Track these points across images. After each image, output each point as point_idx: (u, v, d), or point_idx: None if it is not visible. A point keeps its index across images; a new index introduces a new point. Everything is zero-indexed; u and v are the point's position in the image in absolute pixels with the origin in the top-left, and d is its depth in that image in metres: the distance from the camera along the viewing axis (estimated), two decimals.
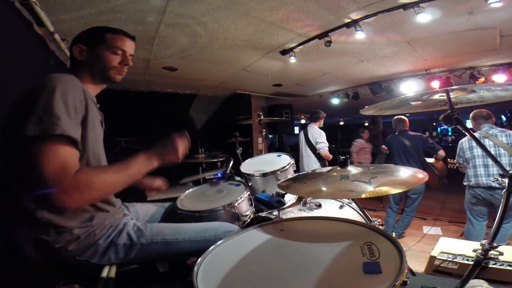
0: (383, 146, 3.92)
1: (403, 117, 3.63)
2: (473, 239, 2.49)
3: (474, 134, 2.63)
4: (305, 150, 3.99)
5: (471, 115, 2.75)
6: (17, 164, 0.80)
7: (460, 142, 2.83)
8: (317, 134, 3.90)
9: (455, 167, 3.17)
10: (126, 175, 0.85)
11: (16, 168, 0.81)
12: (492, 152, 2.45)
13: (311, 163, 3.91)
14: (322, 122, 4.09)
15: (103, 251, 0.94)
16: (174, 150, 0.97)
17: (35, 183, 0.72)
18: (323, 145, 3.82)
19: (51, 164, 0.73)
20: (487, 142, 2.47)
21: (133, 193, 1.29)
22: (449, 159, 3.27)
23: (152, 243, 1.00)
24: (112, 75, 1.04)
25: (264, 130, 3.42)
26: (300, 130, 4.46)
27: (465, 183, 2.72)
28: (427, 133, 12.44)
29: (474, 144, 2.62)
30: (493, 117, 2.66)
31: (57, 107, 0.76)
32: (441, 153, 3.35)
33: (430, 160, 3.44)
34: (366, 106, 1.22)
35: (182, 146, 0.99)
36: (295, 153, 4.04)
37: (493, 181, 2.53)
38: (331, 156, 3.88)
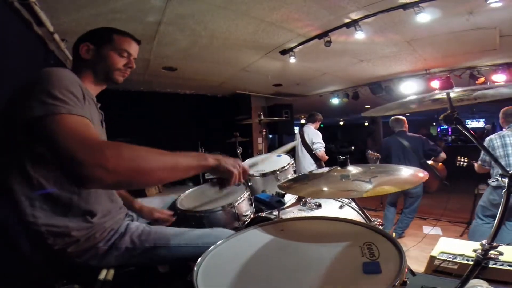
0: (370, 152, 3.67)
1: (400, 117, 3.50)
2: (477, 239, 2.48)
3: (502, 131, 2.62)
4: (301, 151, 3.97)
5: (502, 110, 2.70)
6: (22, 154, 0.79)
7: (489, 139, 2.72)
8: (313, 135, 3.89)
9: (464, 165, 3.09)
10: (171, 160, 0.74)
11: (19, 160, 0.80)
12: None
13: (306, 164, 3.89)
14: (319, 124, 4.10)
15: (103, 254, 0.93)
16: (235, 165, 0.88)
17: (59, 160, 0.65)
18: (319, 145, 3.81)
19: (66, 133, 0.66)
20: None
21: (132, 191, 1.29)
22: (458, 156, 3.18)
23: (155, 248, 0.99)
24: (115, 77, 1.04)
25: (264, 130, 3.42)
26: (299, 130, 4.48)
27: (493, 184, 2.61)
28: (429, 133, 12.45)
29: (508, 141, 2.56)
30: None
31: (60, 92, 0.72)
32: (443, 155, 3.28)
33: (429, 162, 3.35)
34: (367, 107, 1.21)
35: (239, 170, 0.90)
36: (294, 153, 4.04)
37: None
38: (327, 157, 3.86)
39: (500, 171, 2.56)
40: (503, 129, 2.67)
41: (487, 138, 2.76)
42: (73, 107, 0.72)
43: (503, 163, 2.57)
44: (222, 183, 0.92)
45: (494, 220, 2.62)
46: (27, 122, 0.70)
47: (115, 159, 0.64)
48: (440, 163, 3.38)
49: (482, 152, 2.77)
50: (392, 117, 3.56)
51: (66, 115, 0.70)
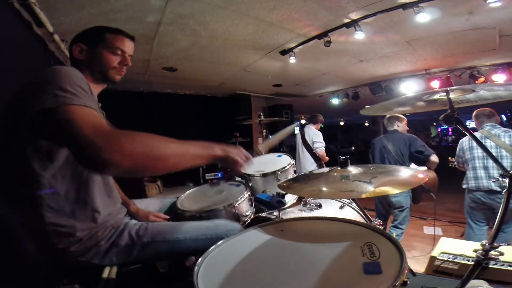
0: None
1: (395, 115, 3.05)
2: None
3: (476, 133, 2.49)
4: (302, 151, 4.01)
5: (473, 113, 2.60)
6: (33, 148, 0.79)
7: (460, 141, 2.68)
8: (314, 134, 3.93)
9: (454, 165, 3.04)
10: (181, 148, 0.78)
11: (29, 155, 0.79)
12: (493, 153, 2.36)
13: (307, 164, 3.92)
14: (320, 125, 4.12)
15: (104, 252, 0.94)
16: (239, 153, 0.94)
17: (76, 147, 0.66)
18: (320, 145, 3.85)
19: (82, 122, 0.68)
20: (488, 143, 2.34)
21: (133, 191, 1.29)
22: (450, 158, 3.03)
23: (153, 242, 1.00)
24: (111, 75, 1.05)
25: (264, 130, 3.42)
26: (300, 130, 4.49)
27: (464, 186, 2.58)
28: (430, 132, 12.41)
29: (474, 144, 2.47)
30: (497, 116, 2.52)
31: (70, 86, 0.75)
32: (434, 158, 2.71)
33: (423, 168, 2.77)
34: (367, 107, 1.21)
35: (244, 158, 0.97)
36: (294, 153, 4.05)
37: (493, 182, 2.50)
38: (327, 158, 3.87)
39: (469, 174, 2.50)
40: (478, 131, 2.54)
41: (460, 140, 2.69)
42: (84, 99, 0.74)
43: (469, 165, 2.53)
44: (228, 173, 0.94)
45: (483, 224, 2.55)
46: (36, 115, 0.71)
47: (130, 144, 0.67)
48: (433, 171, 2.74)
49: (456, 154, 2.73)
50: (386, 116, 3.17)
51: (78, 106, 0.72)
